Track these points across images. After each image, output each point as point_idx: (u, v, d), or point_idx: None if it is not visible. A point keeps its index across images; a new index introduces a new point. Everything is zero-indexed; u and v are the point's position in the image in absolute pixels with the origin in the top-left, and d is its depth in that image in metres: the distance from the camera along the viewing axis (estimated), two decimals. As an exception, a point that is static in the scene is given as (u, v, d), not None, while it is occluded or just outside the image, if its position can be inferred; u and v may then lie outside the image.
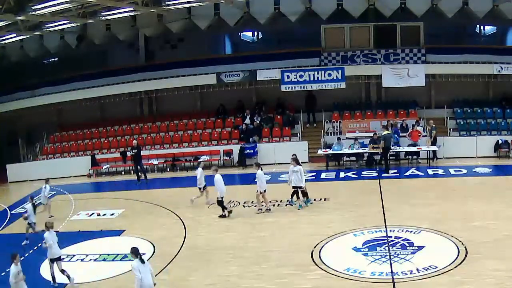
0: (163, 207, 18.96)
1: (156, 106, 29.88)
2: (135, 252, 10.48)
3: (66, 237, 16.33)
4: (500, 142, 23.67)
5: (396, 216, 15.62)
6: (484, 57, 25.24)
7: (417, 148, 23.33)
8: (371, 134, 23.62)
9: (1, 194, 24.81)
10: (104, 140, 28.21)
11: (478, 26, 28.04)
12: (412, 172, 22.03)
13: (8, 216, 19.67)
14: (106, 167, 26.31)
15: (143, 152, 24.89)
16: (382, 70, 25.55)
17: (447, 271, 11.51)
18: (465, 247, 12.68)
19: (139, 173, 23.67)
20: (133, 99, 29.03)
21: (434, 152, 23.34)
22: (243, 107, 27.70)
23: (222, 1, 23.72)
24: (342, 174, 22.49)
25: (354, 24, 26.48)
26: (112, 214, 18.58)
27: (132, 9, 21.70)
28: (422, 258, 12.32)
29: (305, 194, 17.49)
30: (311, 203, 17.63)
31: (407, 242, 13.41)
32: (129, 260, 13.45)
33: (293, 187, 17.13)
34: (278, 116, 27.18)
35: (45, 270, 13.36)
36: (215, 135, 26.83)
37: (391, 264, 12.20)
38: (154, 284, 10.47)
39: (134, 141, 24.45)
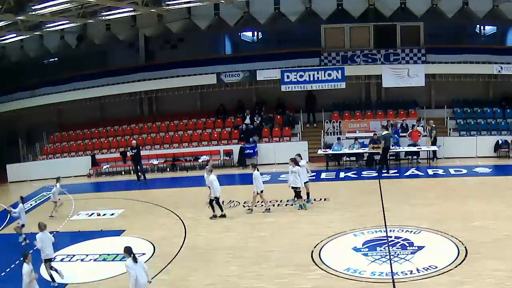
0: (163, 207, 18.96)
1: (156, 106, 29.88)
2: (128, 251, 10.52)
3: (66, 237, 16.41)
4: (500, 142, 23.67)
5: (396, 216, 15.62)
6: (484, 57, 25.24)
7: (417, 148, 23.34)
8: (371, 134, 23.62)
9: (1, 194, 24.81)
10: (104, 140, 28.21)
11: (478, 26, 28.02)
12: (412, 172, 22.03)
13: (8, 216, 19.64)
14: (106, 167, 26.31)
15: (143, 152, 24.90)
16: (382, 70, 25.55)
17: (447, 271, 11.51)
18: (465, 247, 12.68)
19: (139, 173, 23.69)
20: (133, 99, 29.03)
21: (434, 152, 23.34)
22: (243, 107, 27.69)
23: (222, 1, 23.72)
24: (342, 174, 22.49)
25: (354, 24, 26.47)
26: (112, 214, 18.58)
27: (132, 9, 21.70)
28: (422, 258, 12.32)
29: (307, 194, 17.50)
30: (311, 203, 17.63)
31: (407, 242, 13.41)
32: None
33: (292, 187, 17.11)
34: (278, 116, 27.18)
35: (45, 270, 13.36)
36: (215, 135, 26.83)
37: (391, 264, 12.20)
38: (149, 282, 10.52)
39: (134, 141, 24.47)
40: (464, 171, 21.37)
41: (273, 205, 17.89)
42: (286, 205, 17.74)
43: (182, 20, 26.48)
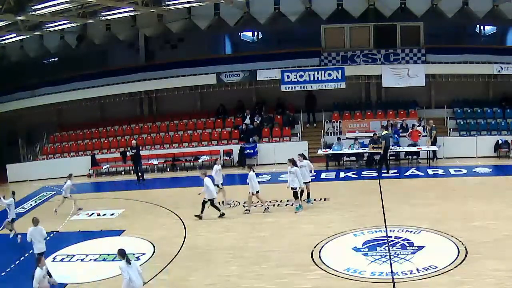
0: (163, 207, 18.96)
1: (156, 106, 29.88)
2: (121, 253, 10.56)
3: (66, 237, 16.41)
4: (500, 142, 23.67)
5: (396, 216, 15.62)
6: (484, 57, 25.24)
7: (417, 148, 23.34)
8: (371, 134, 23.63)
9: (1, 194, 24.75)
10: (104, 140, 28.21)
11: (478, 26, 28.02)
12: (412, 172, 22.03)
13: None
14: (106, 167, 26.31)
15: (143, 152, 24.91)
16: (382, 70, 25.55)
17: (447, 271, 11.51)
18: (465, 247, 12.68)
19: (139, 173, 23.69)
20: (133, 99, 29.03)
21: (434, 152, 23.34)
22: (243, 107, 27.69)
23: (222, 1, 23.71)
24: (342, 174, 22.49)
25: (354, 24, 26.48)
26: (112, 214, 18.58)
27: (132, 9, 21.70)
28: (422, 258, 12.31)
29: (307, 194, 17.50)
30: (311, 203, 17.62)
31: (407, 242, 13.41)
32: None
33: (291, 188, 17.09)
34: (278, 116, 27.18)
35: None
36: (215, 135, 26.83)
37: (391, 264, 12.20)
38: (144, 282, 10.57)
39: (133, 141, 24.48)
40: (464, 171, 21.36)
41: (273, 205, 17.90)
42: (286, 205, 17.74)
43: (182, 20, 26.49)
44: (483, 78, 25.58)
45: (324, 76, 25.54)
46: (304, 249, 13.49)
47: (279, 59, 26.73)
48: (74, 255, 14.60)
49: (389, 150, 22.22)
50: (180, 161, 26.06)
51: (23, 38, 26.75)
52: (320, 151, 23.99)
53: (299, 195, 17.09)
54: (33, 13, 19.15)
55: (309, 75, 25.67)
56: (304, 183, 17.35)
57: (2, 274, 13.58)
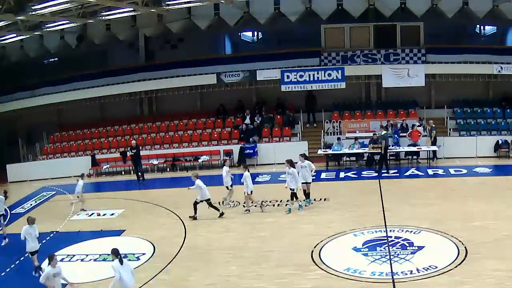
0: (163, 207, 18.96)
1: (156, 106, 29.89)
2: (115, 253, 10.62)
3: (66, 237, 16.41)
4: (500, 142, 23.67)
5: (396, 216, 15.62)
6: (484, 57, 25.24)
7: (417, 148, 23.34)
8: (371, 134, 23.62)
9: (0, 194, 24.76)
10: (104, 140, 28.21)
11: (478, 26, 28.02)
12: (412, 172, 22.03)
13: (8, 216, 19.64)
14: (106, 167, 26.31)
15: (143, 152, 24.91)
16: (382, 70, 25.55)
17: (447, 271, 11.51)
18: (465, 247, 12.68)
19: (139, 173, 23.70)
20: (133, 99, 29.03)
21: (434, 152, 23.34)
22: (243, 107, 27.70)
23: (222, 1, 23.71)
24: (342, 174, 22.50)
25: (354, 24, 26.48)
26: (112, 214, 18.58)
27: (132, 9, 21.70)
28: (422, 258, 12.32)
29: (307, 194, 17.50)
30: (311, 203, 17.62)
31: (407, 242, 13.41)
32: (129, 260, 13.52)
33: (290, 189, 17.08)
34: (278, 116, 27.18)
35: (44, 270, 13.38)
36: (215, 135, 26.83)
37: (391, 264, 12.20)
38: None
39: (133, 141, 24.48)
40: (464, 171, 21.36)
41: (273, 205, 17.92)
42: (286, 205, 17.73)
43: (182, 20, 26.49)
44: (483, 78, 25.58)
45: (324, 76, 25.55)
46: (304, 249, 13.49)
47: (279, 59, 26.73)
48: (74, 255, 14.60)
49: (388, 150, 22.22)
50: (180, 161, 26.06)
51: (23, 38, 26.76)
52: (320, 151, 23.99)
53: (297, 196, 17.07)
54: (33, 13, 19.15)
55: (309, 75, 25.67)
56: (305, 183, 17.36)
57: (2, 274, 13.59)
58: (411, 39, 26.15)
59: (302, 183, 17.26)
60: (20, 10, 18.57)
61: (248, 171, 17.54)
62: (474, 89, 26.40)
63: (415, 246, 13.12)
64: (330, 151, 23.78)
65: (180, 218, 17.26)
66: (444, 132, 24.89)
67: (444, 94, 26.62)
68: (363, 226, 14.92)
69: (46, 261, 11.13)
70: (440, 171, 21.67)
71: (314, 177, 18.21)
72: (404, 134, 24.15)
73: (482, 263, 11.73)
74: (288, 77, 25.78)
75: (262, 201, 17.46)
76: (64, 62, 30.31)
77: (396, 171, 22.16)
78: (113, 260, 10.60)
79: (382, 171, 21.75)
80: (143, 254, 14.17)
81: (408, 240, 13.56)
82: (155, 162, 25.88)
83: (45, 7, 18.92)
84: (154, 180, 24.20)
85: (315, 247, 13.60)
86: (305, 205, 17.36)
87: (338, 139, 24.20)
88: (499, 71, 24.53)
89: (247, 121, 26.68)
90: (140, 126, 28.61)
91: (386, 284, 11.26)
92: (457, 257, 12.21)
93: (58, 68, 30.76)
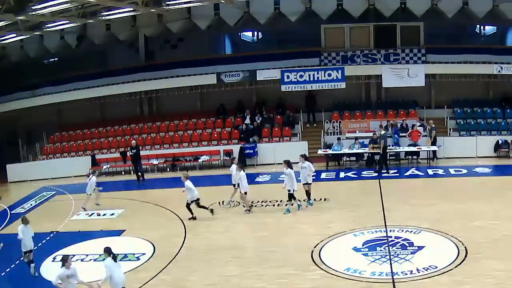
0: (163, 207, 18.96)
1: (156, 106, 29.88)
2: (108, 251, 10.67)
3: (66, 237, 16.40)
4: (500, 142, 23.67)
5: (396, 216, 15.62)
6: (484, 57, 25.23)
7: (417, 148, 23.33)
8: (371, 134, 23.63)
9: (1, 194, 24.78)
10: (104, 140, 28.20)
11: (478, 26, 28.04)
12: (412, 172, 22.03)
13: (8, 216, 19.68)
14: (106, 167, 26.30)
15: (143, 152, 24.91)
16: (382, 70, 25.55)
17: (447, 271, 11.51)
18: (465, 247, 12.68)
19: (139, 173, 23.70)
20: (133, 99, 29.01)
21: (434, 152, 23.33)
22: (243, 107, 27.70)
23: (222, 1, 23.72)
24: (342, 174, 22.50)
25: (354, 24, 26.49)
26: (112, 214, 18.58)
27: (132, 9, 21.72)
28: (422, 258, 12.32)
29: (308, 195, 17.50)
30: (311, 204, 17.62)
31: (407, 242, 13.41)
32: (129, 260, 13.54)
33: (288, 189, 17.08)
34: (278, 116, 27.18)
35: (45, 270, 13.39)
36: (215, 135, 26.83)
37: (391, 264, 12.20)
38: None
39: (133, 141, 24.48)
40: (464, 171, 21.36)
41: (273, 205, 17.92)
42: (286, 205, 17.72)
43: (182, 20, 26.48)
44: (483, 78, 25.57)
45: (324, 76, 25.54)
46: (304, 249, 13.48)
47: (279, 59, 26.74)
48: (74, 255, 14.54)
49: (387, 150, 22.21)
50: (180, 161, 26.06)
51: (23, 38, 26.78)
52: (320, 151, 23.99)
53: (294, 197, 17.04)
54: (33, 13, 19.18)
55: (309, 75, 25.67)
56: (306, 184, 17.36)
57: (2, 274, 13.59)
58: (411, 39, 26.15)
59: (303, 184, 17.28)
60: (20, 10, 18.60)
61: (244, 171, 17.52)
62: (474, 89, 26.38)
63: (415, 246, 13.12)
64: (330, 151, 23.77)
65: (180, 218, 17.25)
66: (444, 132, 24.89)
67: (444, 94, 26.61)
68: (363, 226, 14.92)
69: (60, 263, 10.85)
70: (440, 171, 21.67)
71: (314, 177, 18.22)
72: (404, 134, 24.15)
73: (482, 263, 11.73)
74: (288, 77, 25.77)
75: (253, 204, 17.44)
76: (64, 62, 30.30)
77: (396, 171, 22.16)
78: (104, 259, 10.65)
79: (382, 171, 21.74)
80: (143, 254, 14.17)
81: (408, 240, 13.56)
82: (155, 162, 25.88)
83: (45, 7, 18.94)
84: (154, 180, 24.20)
85: (315, 247, 13.60)
86: (306, 206, 17.38)
87: (338, 139, 24.20)
88: (499, 71, 24.52)
89: (247, 121, 26.68)
90: (140, 126, 28.60)
91: (386, 284, 11.26)
92: (457, 257, 12.21)
93: (58, 68, 30.74)
